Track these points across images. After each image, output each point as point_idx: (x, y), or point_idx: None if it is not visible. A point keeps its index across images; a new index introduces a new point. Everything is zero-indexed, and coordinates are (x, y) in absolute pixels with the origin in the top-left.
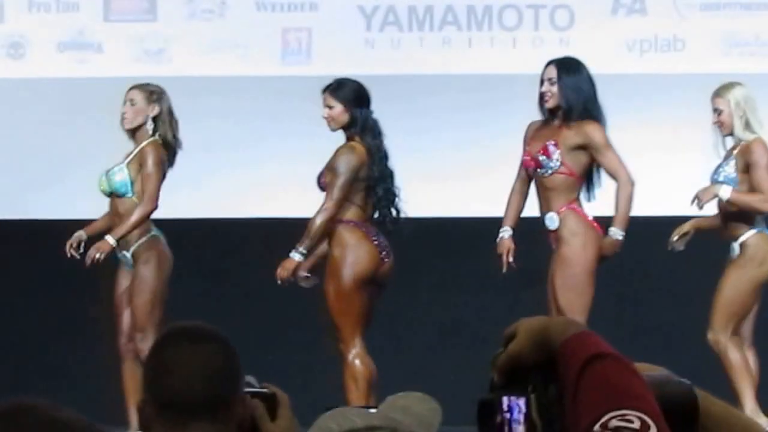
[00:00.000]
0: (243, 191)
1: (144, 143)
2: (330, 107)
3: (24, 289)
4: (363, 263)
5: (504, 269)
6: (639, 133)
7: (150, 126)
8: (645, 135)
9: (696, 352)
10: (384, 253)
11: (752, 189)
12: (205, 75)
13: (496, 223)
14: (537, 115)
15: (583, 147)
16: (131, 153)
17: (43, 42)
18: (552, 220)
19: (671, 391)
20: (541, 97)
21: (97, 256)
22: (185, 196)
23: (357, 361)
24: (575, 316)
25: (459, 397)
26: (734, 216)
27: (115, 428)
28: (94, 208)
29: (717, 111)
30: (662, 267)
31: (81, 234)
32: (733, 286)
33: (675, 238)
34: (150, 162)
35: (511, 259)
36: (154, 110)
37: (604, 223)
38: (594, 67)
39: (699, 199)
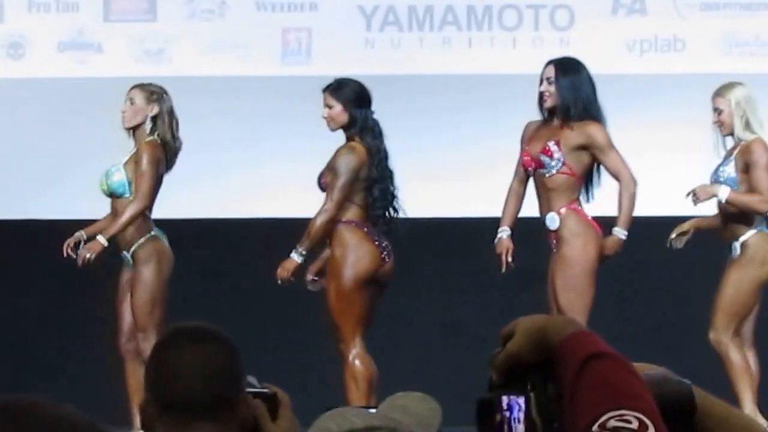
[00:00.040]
0: (243, 191)
1: (141, 143)
2: (329, 107)
3: (24, 289)
4: (364, 263)
5: (503, 269)
6: (639, 133)
7: (149, 126)
8: (645, 135)
9: (696, 352)
10: (385, 253)
11: (752, 189)
12: (205, 75)
13: (496, 223)
14: (537, 115)
15: (584, 147)
16: (131, 153)
17: (43, 42)
18: (553, 221)
19: (669, 390)
20: (541, 97)
21: (88, 255)
22: (185, 196)
23: (357, 362)
24: (576, 317)
25: (460, 397)
26: (734, 216)
27: (117, 428)
28: (94, 208)
29: (717, 110)
30: (662, 267)
31: (81, 234)
32: (735, 286)
33: (673, 235)
34: (144, 161)
35: (510, 259)
36: (153, 110)
37: (604, 223)
38: (594, 67)
39: (696, 196)
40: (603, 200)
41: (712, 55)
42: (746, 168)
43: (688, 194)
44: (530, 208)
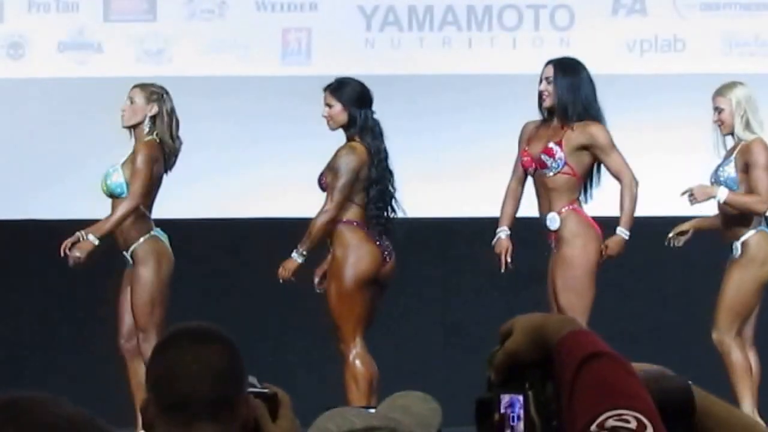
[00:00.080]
0: (243, 191)
1: (138, 143)
2: (329, 106)
3: (24, 289)
4: (365, 264)
5: (502, 269)
6: (639, 133)
7: (147, 125)
8: (645, 135)
9: (696, 352)
10: (386, 253)
11: (751, 189)
12: (205, 75)
13: (496, 223)
14: (537, 116)
15: (586, 147)
16: (130, 153)
17: (43, 42)
18: (553, 221)
19: (667, 386)
20: (540, 96)
21: (77, 254)
22: (185, 196)
23: (358, 362)
24: (576, 317)
25: (460, 397)
26: (735, 216)
27: (119, 429)
28: (94, 208)
29: (718, 110)
30: (662, 267)
31: (81, 234)
32: (737, 287)
33: (671, 234)
34: (139, 160)
35: (509, 259)
36: (153, 110)
37: (604, 223)
38: (594, 67)
39: (693, 196)
40: (603, 200)
41: (712, 55)
42: (746, 168)
43: (683, 193)
44: (530, 208)
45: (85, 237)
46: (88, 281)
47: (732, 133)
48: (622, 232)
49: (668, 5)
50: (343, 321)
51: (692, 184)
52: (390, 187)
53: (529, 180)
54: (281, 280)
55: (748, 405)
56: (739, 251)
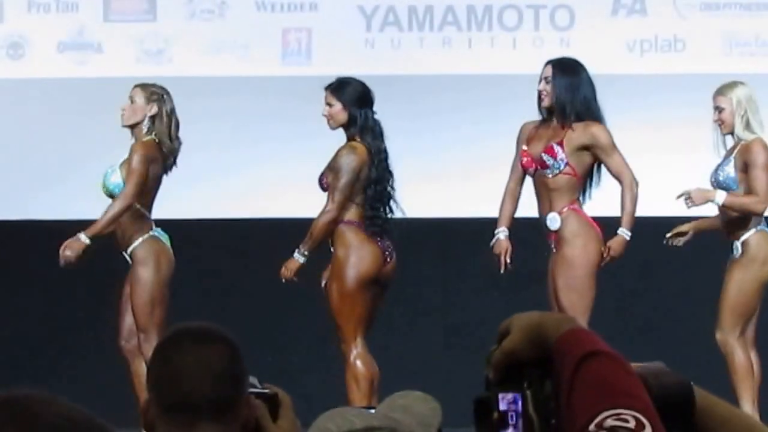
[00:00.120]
0: (243, 191)
1: (136, 143)
2: (330, 105)
3: (24, 289)
4: (366, 264)
5: (502, 270)
6: (639, 133)
7: (147, 125)
8: (645, 135)
9: (696, 352)
10: (387, 253)
11: (749, 189)
12: (205, 75)
13: (496, 224)
14: (537, 116)
15: (587, 147)
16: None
17: (43, 42)
18: (554, 221)
19: (667, 382)
20: (539, 96)
21: (68, 253)
22: (185, 196)
23: (358, 362)
24: (577, 317)
25: (461, 398)
26: (734, 216)
27: (123, 429)
28: (94, 208)
29: (718, 109)
30: (662, 267)
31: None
32: (738, 287)
33: (669, 234)
34: (135, 160)
35: (508, 260)
36: (152, 110)
37: (604, 223)
38: (594, 67)
39: (691, 199)
40: (603, 200)
41: (712, 56)
42: (745, 168)
43: (679, 196)
44: (529, 208)
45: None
46: (89, 282)
47: (732, 133)
48: (624, 232)
49: (668, 5)
50: (344, 321)
51: (690, 186)
52: (389, 188)
53: (528, 180)
54: (284, 280)
55: (748, 406)
56: (740, 251)
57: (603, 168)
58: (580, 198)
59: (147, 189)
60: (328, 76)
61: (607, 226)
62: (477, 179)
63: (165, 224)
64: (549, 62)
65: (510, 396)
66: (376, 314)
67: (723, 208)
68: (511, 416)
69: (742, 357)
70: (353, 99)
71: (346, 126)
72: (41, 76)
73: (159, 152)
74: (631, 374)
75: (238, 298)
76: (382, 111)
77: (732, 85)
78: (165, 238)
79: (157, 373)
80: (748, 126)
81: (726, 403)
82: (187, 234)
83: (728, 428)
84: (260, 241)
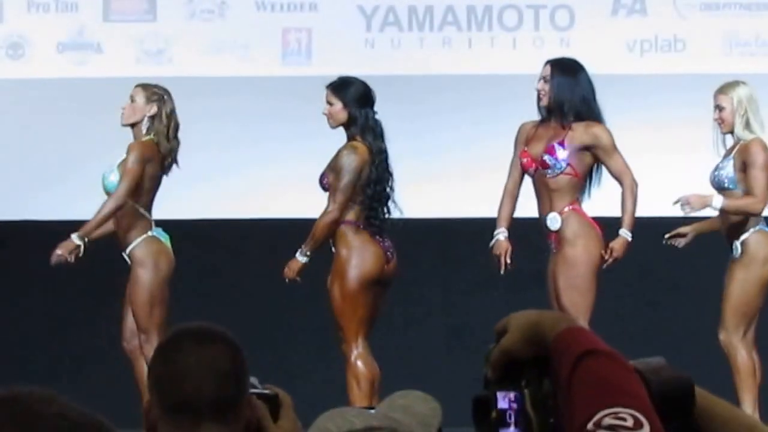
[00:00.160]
0: (243, 191)
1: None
2: (330, 104)
3: (24, 289)
4: (369, 265)
5: (502, 271)
6: (639, 133)
7: (146, 125)
8: (645, 135)
9: (697, 352)
10: (389, 253)
11: (748, 189)
12: (205, 75)
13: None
14: (537, 116)
15: (588, 148)
16: None
17: (43, 42)
18: (554, 221)
19: (667, 377)
20: (538, 95)
21: (59, 252)
22: (185, 196)
23: (359, 362)
24: (579, 316)
25: (461, 398)
26: (734, 217)
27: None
28: (94, 208)
29: (718, 107)
30: (662, 267)
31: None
32: (740, 287)
33: (668, 235)
34: (129, 160)
35: (509, 261)
36: (152, 110)
37: (604, 223)
38: (594, 67)
39: (690, 206)
40: (603, 201)
41: (712, 56)
42: (744, 167)
43: (676, 202)
44: (529, 208)
45: (84, 240)
46: (89, 282)
47: (732, 132)
48: (625, 233)
49: (668, 5)
50: (345, 321)
51: (689, 186)
52: (388, 189)
53: (527, 180)
54: (287, 280)
55: (749, 406)
56: (739, 251)
57: (603, 168)
58: (580, 198)
59: (145, 189)
60: (328, 76)
61: (607, 226)
62: (477, 179)
63: (165, 224)
64: (548, 62)
65: (508, 395)
66: (378, 314)
67: (721, 212)
68: (510, 415)
69: (745, 357)
70: (354, 98)
71: (347, 125)
72: (41, 76)
73: (157, 152)
74: (628, 372)
75: (237, 298)
76: (381, 111)
77: (733, 84)
78: (165, 238)
79: (158, 374)
80: (748, 126)
81: (726, 403)
82: (187, 234)
83: (729, 428)
84: (260, 241)
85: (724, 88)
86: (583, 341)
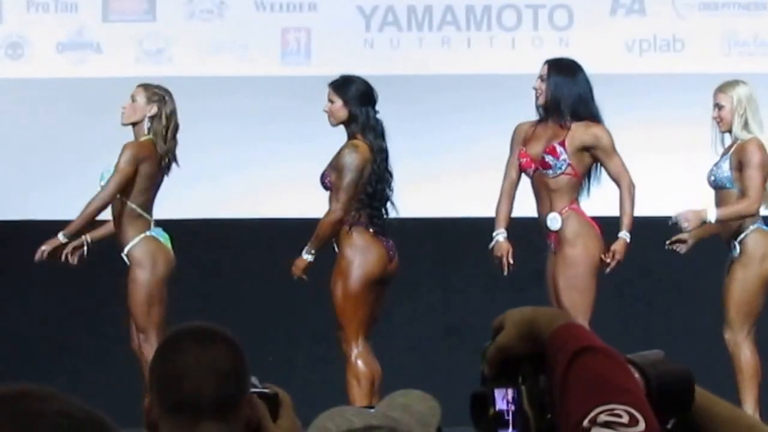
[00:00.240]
0: (243, 191)
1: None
2: (331, 102)
3: (24, 289)
4: (372, 265)
5: (505, 272)
6: (638, 132)
7: (146, 125)
8: (644, 135)
9: (697, 352)
10: (391, 252)
11: (743, 189)
12: (204, 75)
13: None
14: (536, 116)
15: (587, 148)
16: None
17: (42, 42)
18: (554, 221)
19: (665, 370)
20: (535, 94)
21: (43, 248)
22: (185, 196)
23: (359, 362)
24: (579, 316)
25: (461, 397)
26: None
27: (127, 429)
28: None
29: (718, 106)
30: (662, 266)
31: (85, 239)
32: (741, 286)
33: (668, 242)
34: (121, 159)
35: (511, 261)
36: (152, 110)
37: (604, 223)
38: (593, 67)
39: (688, 222)
40: (603, 200)
41: (711, 55)
42: (740, 167)
43: (672, 222)
44: (528, 208)
45: (89, 240)
46: (89, 282)
47: (730, 131)
48: (625, 235)
49: (667, 5)
50: (347, 321)
51: (692, 183)
52: (388, 188)
53: (525, 180)
54: (295, 278)
55: (750, 406)
56: (738, 250)
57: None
58: (578, 198)
59: (141, 189)
60: (328, 76)
61: (607, 226)
62: (477, 179)
63: (165, 224)
64: (546, 62)
65: (505, 391)
66: (379, 314)
67: (718, 223)
68: (507, 411)
69: (749, 356)
70: (354, 96)
71: (347, 123)
72: (41, 76)
73: (153, 152)
74: (624, 369)
75: (238, 297)
76: (381, 111)
77: (734, 83)
78: (164, 237)
79: (159, 374)
80: (746, 125)
81: (726, 403)
82: (187, 234)
83: (729, 428)
84: (260, 241)
85: (724, 87)
86: (579, 338)
